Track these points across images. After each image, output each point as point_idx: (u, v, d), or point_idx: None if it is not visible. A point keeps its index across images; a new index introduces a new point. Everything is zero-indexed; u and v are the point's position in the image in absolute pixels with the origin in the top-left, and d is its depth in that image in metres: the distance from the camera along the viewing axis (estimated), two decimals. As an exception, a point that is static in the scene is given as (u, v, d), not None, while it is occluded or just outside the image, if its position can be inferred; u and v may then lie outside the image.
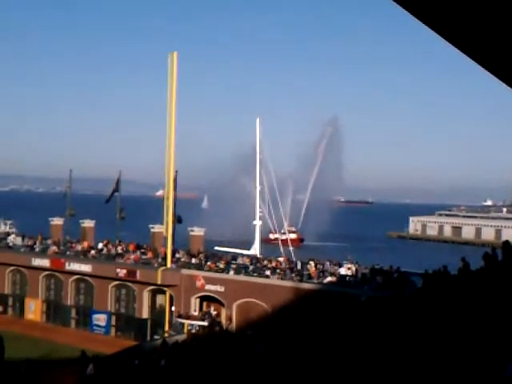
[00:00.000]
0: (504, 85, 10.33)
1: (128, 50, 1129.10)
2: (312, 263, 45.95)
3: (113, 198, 61.40)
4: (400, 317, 23.77)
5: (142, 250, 53.66)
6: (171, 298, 48.64)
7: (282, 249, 57.09)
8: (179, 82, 50.29)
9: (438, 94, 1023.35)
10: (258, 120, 60.75)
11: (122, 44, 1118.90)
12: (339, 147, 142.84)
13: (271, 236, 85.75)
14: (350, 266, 44.27)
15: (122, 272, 50.21)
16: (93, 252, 54.45)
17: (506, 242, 22.63)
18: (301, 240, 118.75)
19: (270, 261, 48.66)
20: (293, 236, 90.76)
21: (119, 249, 54.46)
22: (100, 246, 55.66)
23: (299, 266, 45.86)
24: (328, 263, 45.72)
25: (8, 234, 64.49)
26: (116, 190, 60.71)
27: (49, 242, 58.65)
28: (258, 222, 60.45)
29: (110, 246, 55.24)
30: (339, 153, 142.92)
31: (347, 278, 43.28)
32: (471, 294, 21.07)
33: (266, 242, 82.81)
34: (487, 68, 9.42)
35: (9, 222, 76.65)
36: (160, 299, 50.42)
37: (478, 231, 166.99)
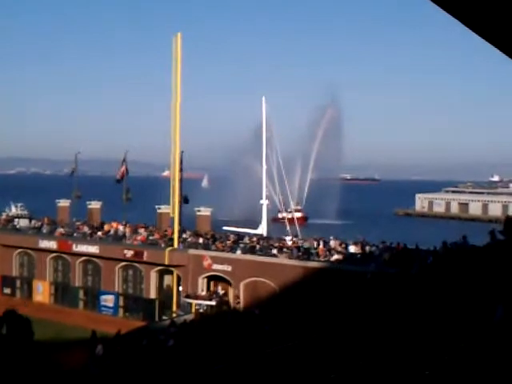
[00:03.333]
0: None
1: (133, 32, 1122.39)
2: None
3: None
4: (405, 293, 23.78)
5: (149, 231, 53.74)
6: (179, 278, 48.78)
7: (288, 227, 57.00)
8: (183, 62, 50.20)
9: (440, 68, 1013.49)
10: (263, 99, 60.41)
11: (128, 25, 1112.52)
12: (339, 125, 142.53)
13: (279, 215, 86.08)
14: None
15: (129, 253, 50.36)
16: (100, 233, 54.58)
17: (508, 218, 22.53)
18: (305, 218, 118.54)
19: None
20: (298, 214, 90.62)
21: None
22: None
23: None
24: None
25: (19, 217, 64.57)
26: (127, 170, 60.29)
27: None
28: (264, 202, 60.34)
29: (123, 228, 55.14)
30: (339, 130, 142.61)
31: (354, 255, 43.31)
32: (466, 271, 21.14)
33: (275, 221, 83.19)
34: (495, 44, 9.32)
35: (19, 205, 76.83)
36: (167, 279, 50.58)
37: (485, 207, 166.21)
